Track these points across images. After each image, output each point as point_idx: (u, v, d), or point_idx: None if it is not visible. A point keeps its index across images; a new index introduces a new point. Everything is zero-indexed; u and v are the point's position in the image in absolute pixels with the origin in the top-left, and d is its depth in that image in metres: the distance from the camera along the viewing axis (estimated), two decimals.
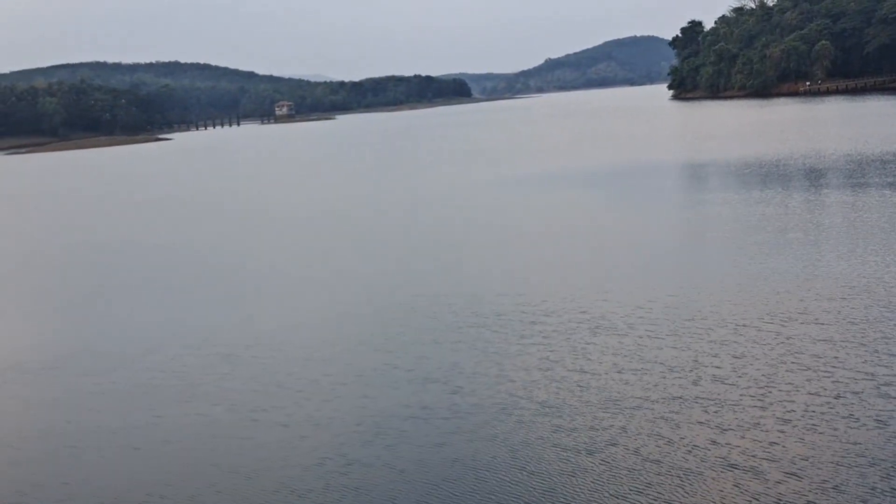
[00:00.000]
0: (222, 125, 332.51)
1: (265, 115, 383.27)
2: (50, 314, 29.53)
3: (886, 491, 12.55)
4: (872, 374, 17.00)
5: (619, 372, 18.40)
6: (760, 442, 14.46)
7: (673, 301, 23.67)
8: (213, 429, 17.24)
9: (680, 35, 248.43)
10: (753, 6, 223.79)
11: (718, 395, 16.70)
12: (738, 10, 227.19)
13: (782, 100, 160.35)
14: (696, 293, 24.33)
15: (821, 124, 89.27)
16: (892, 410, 15.26)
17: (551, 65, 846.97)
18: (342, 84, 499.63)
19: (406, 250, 35.59)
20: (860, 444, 14.10)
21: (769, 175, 50.47)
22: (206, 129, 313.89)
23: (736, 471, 13.52)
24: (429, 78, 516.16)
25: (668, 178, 54.83)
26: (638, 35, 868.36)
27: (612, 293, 25.08)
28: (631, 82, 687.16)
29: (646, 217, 39.07)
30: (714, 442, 14.62)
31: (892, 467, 13.23)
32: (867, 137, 67.41)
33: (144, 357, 22.63)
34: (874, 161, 52.21)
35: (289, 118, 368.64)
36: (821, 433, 14.63)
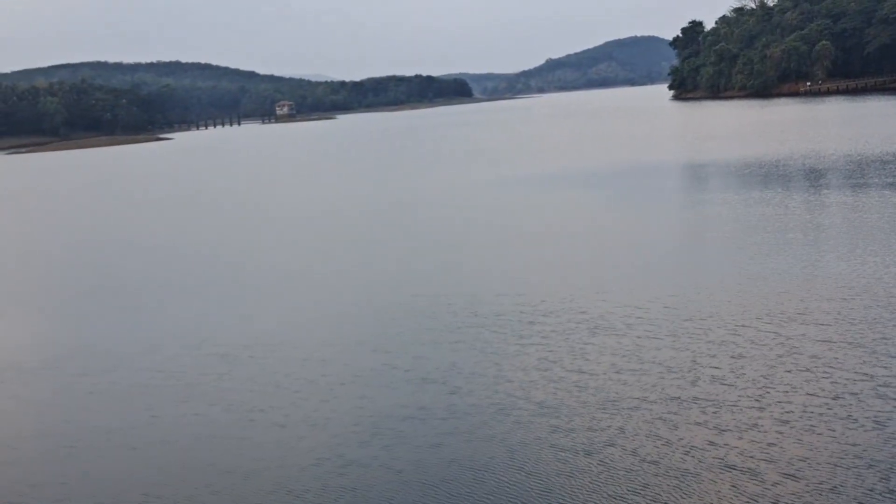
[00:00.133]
0: (223, 125, 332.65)
1: (266, 114, 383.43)
2: (48, 314, 29.50)
3: (884, 492, 12.51)
4: (871, 376, 16.97)
5: (617, 372, 18.37)
6: (758, 443, 14.43)
7: (672, 301, 23.64)
8: (210, 429, 17.21)
9: (680, 35, 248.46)
10: (754, 6, 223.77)
11: (716, 395, 16.67)
12: (739, 11, 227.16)
13: (783, 100, 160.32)
14: (695, 293, 24.30)
15: (821, 124, 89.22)
16: (890, 412, 15.23)
17: (552, 65, 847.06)
18: (343, 84, 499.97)
19: (405, 250, 35.56)
20: (858, 445, 14.06)
21: (769, 175, 50.43)
22: (206, 128, 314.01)
23: (734, 472, 13.49)
24: (430, 78, 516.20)
25: (668, 179, 54.80)
26: (638, 35, 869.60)
27: (612, 293, 25.05)
28: (632, 82, 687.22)
29: (646, 217, 39.04)
30: (712, 443, 14.59)
31: (890, 468, 13.20)
32: (867, 138, 67.37)
33: (142, 357, 22.60)
34: (874, 161, 52.17)
35: (289, 118, 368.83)
36: (819, 434, 14.59)
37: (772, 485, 12.97)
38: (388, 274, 30.84)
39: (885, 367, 17.34)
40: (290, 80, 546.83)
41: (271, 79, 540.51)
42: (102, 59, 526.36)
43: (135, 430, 17.50)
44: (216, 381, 20.15)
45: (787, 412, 15.58)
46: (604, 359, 19.32)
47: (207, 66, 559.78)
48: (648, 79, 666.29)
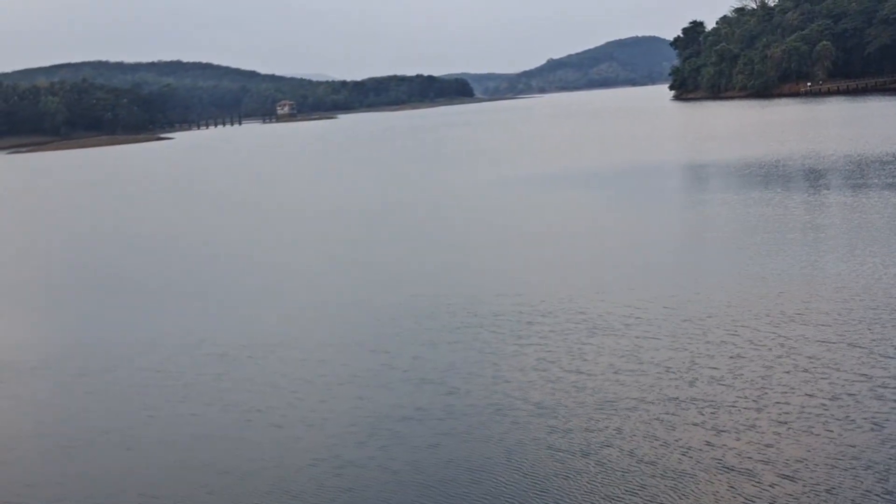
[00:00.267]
0: (224, 124, 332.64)
1: (267, 114, 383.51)
2: (44, 313, 29.49)
3: (881, 494, 12.48)
4: (869, 377, 16.93)
5: (615, 373, 18.34)
6: (756, 444, 14.39)
7: (671, 302, 23.60)
8: (207, 429, 17.18)
9: (681, 35, 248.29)
10: (755, 6, 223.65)
11: (714, 396, 16.64)
12: (740, 11, 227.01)
13: (783, 100, 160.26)
14: (694, 294, 24.26)
15: (821, 125, 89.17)
16: (888, 413, 15.19)
17: (553, 65, 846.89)
18: (344, 83, 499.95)
19: (405, 250, 35.52)
20: (856, 446, 14.03)
21: (769, 176, 50.40)
22: (207, 128, 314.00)
23: (731, 473, 13.46)
24: (431, 78, 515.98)
25: (668, 179, 54.77)
26: (639, 35, 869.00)
27: (611, 293, 25.01)
28: (632, 82, 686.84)
29: (646, 218, 39.01)
30: (709, 444, 14.56)
31: (888, 470, 13.16)
32: (868, 138, 67.32)
33: (140, 356, 22.57)
34: (874, 162, 52.12)
35: (290, 117, 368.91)
36: (816, 435, 14.56)
37: (769, 486, 12.94)
38: (387, 274, 30.81)
39: (884, 369, 17.30)
40: (291, 79, 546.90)
41: (272, 78, 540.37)
42: (104, 58, 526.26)
43: (132, 429, 17.47)
44: (214, 381, 20.12)
45: (785, 413, 15.55)
46: (602, 359, 19.29)
47: (208, 66, 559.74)
48: (649, 79, 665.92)
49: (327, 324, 24.55)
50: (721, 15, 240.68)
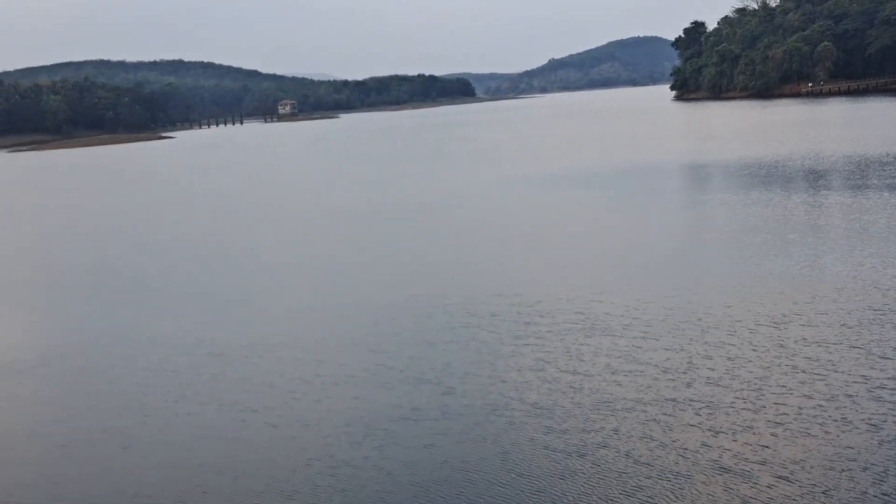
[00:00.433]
0: (225, 123, 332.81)
1: (268, 113, 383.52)
2: (42, 312, 29.46)
3: (878, 495, 12.43)
4: (866, 377, 16.88)
5: (612, 373, 18.29)
6: (752, 445, 14.34)
7: (669, 302, 23.55)
8: (202, 429, 17.14)
9: (683, 36, 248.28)
10: (756, 7, 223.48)
11: (711, 397, 16.58)
12: (741, 11, 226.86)
13: (784, 101, 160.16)
14: (692, 294, 24.21)
15: (822, 125, 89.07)
16: (885, 414, 15.14)
17: (555, 65, 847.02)
18: (345, 83, 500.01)
19: (404, 250, 35.49)
20: (853, 447, 13.98)
21: (770, 176, 50.32)
22: (209, 127, 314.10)
23: (727, 474, 13.41)
24: (432, 77, 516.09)
25: (669, 179, 54.71)
26: (641, 35, 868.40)
27: (609, 294, 24.96)
28: (634, 83, 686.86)
29: (646, 218, 38.95)
30: (706, 445, 14.51)
31: (885, 471, 13.11)
32: (868, 139, 67.23)
33: (135, 357, 22.54)
34: (874, 163, 52.05)
35: (292, 117, 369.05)
36: (813, 436, 14.51)
37: (766, 487, 12.89)
38: (386, 273, 30.77)
39: (881, 370, 17.25)
40: (293, 79, 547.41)
41: (274, 78, 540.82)
42: (105, 57, 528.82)
43: (128, 429, 17.44)
44: (211, 380, 20.09)
45: (783, 414, 15.49)
46: (599, 360, 19.24)
47: (210, 65, 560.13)
48: (651, 79, 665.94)
49: (325, 323, 24.50)
50: (722, 15, 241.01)
